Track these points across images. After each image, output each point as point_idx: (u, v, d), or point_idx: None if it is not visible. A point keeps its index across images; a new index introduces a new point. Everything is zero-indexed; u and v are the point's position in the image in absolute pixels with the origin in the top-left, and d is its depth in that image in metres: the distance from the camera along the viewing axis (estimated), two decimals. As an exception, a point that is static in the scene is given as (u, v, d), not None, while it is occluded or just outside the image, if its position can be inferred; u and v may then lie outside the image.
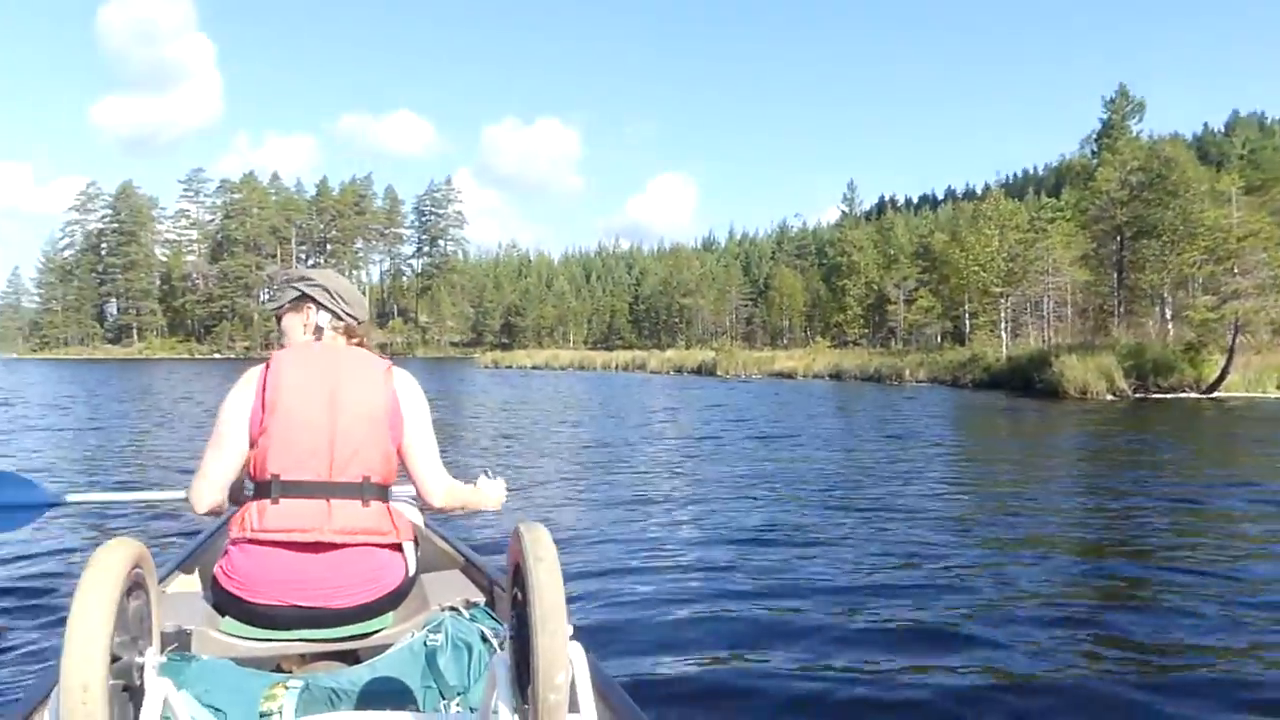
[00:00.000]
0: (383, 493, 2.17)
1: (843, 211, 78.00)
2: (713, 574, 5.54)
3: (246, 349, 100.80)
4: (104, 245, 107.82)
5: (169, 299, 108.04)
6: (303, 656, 2.20)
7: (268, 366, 2.16)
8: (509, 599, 1.49)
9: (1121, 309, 36.88)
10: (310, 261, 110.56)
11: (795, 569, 5.66)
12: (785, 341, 77.29)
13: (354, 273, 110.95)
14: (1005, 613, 4.67)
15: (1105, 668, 3.94)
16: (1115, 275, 37.34)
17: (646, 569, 5.65)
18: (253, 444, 2.14)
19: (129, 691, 1.34)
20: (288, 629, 2.09)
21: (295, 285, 2.34)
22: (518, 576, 1.43)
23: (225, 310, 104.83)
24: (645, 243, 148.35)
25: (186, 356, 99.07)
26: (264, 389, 2.13)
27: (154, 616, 1.47)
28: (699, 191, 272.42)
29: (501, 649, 2.01)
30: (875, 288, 67.15)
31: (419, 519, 2.58)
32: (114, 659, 1.26)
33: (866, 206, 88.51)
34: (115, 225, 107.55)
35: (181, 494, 2.42)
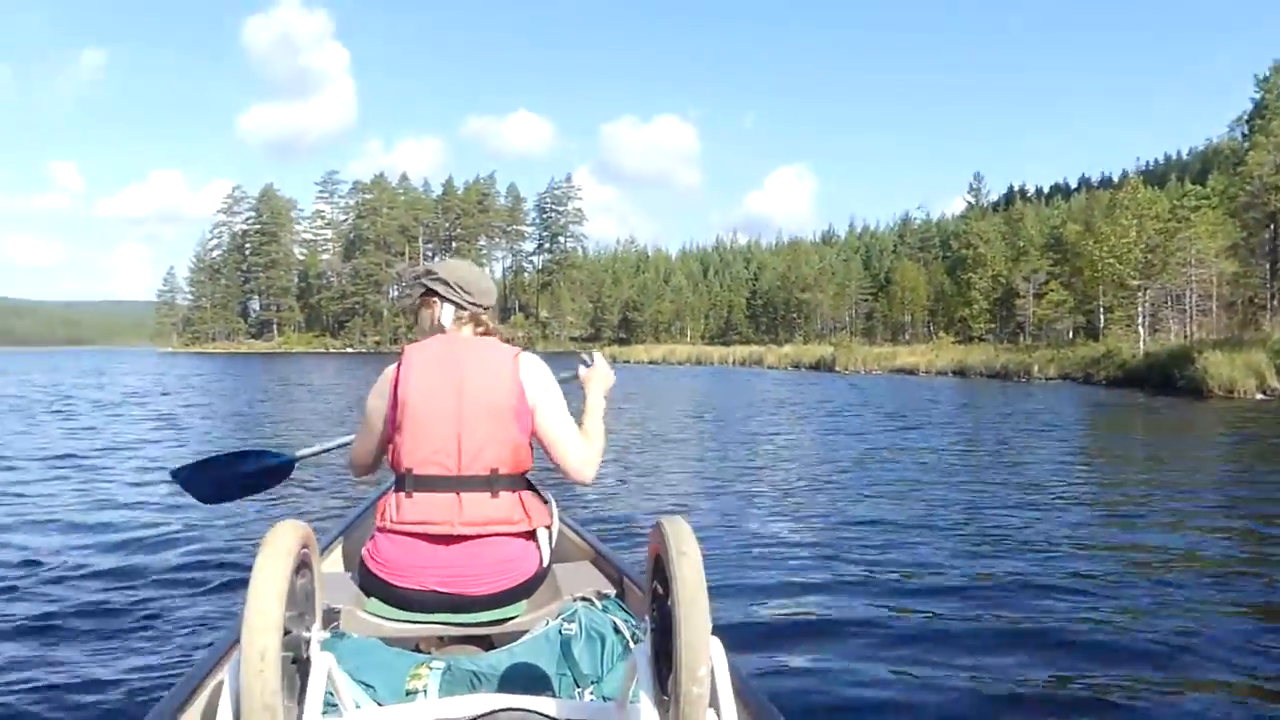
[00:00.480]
0: (514, 483, 2.20)
1: (968, 202, 75.41)
2: (838, 572, 5.45)
3: (376, 343, 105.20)
4: (248, 245, 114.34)
5: (306, 295, 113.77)
6: (440, 639, 2.30)
7: (400, 362, 2.22)
8: (648, 592, 1.49)
9: (1274, 302, 34.38)
10: (437, 259, 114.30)
11: (921, 571, 5.52)
12: (907, 337, 75.14)
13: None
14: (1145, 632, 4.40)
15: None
16: (1267, 266, 34.89)
17: (768, 564, 5.62)
18: (389, 439, 2.24)
19: (296, 663, 1.41)
20: (427, 612, 2.17)
21: (421, 280, 2.38)
22: (659, 569, 1.43)
23: (357, 306, 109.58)
24: (763, 237, 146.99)
25: (321, 350, 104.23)
26: (396, 385, 2.20)
27: (317, 595, 1.54)
28: (817, 184, 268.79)
29: (634, 641, 2.10)
30: (1003, 281, 64.47)
31: (555, 511, 2.51)
32: (284, 632, 1.33)
33: (994, 197, 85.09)
34: (258, 226, 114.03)
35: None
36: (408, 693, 1.91)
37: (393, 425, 2.21)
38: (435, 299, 2.35)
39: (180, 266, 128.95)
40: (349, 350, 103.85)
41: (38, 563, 5.61)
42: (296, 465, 3.33)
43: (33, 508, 7.80)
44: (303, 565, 1.44)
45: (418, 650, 2.23)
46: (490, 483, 2.16)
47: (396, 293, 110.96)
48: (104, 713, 3.38)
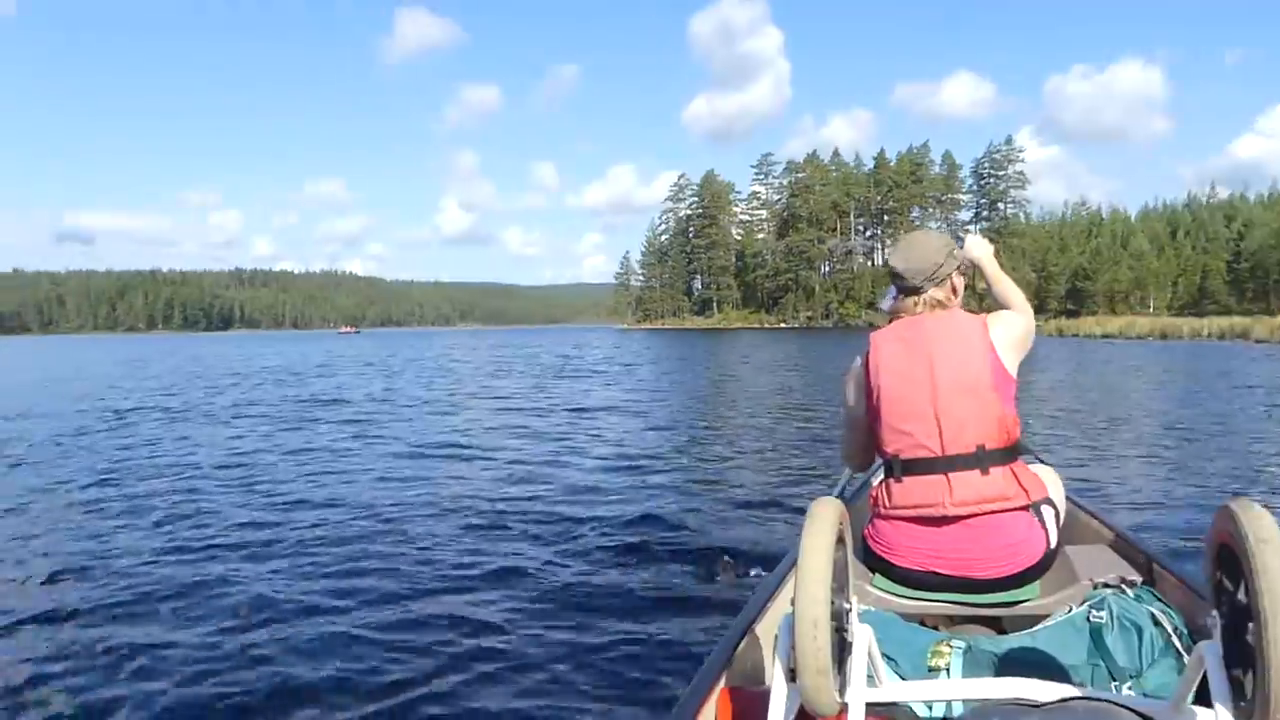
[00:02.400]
0: (1003, 456, 2.11)
1: None
2: None
3: (809, 319, 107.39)
4: (691, 229, 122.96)
5: (742, 274, 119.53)
6: (949, 618, 2.29)
7: (869, 351, 2.25)
8: (1212, 583, 1.37)
9: None
10: (868, 233, 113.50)
11: None
12: None
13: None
14: None
15: None
16: None
17: None
18: (870, 427, 2.26)
19: (838, 634, 1.44)
20: (931, 591, 2.17)
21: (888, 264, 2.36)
22: (1226, 558, 1.31)
23: (790, 283, 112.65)
24: (1251, 188, 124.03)
25: (756, 325, 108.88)
26: (867, 374, 2.24)
27: (849, 569, 1.59)
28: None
29: (1175, 635, 1.99)
30: None
31: (1058, 485, 2.39)
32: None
33: None
34: (700, 210, 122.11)
35: None
36: (929, 669, 1.93)
37: (871, 414, 2.23)
38: (894, 283, 2.34)
39: (634, 251, 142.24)
40: (782, 326, 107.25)
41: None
42: None
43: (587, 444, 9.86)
44: (839, 541, 1.47)
45: (922, 627, 2.21)
46: (978, 460, 2.10)
47: (828, 269, 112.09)
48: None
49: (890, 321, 2.32)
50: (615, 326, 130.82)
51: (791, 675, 1.47)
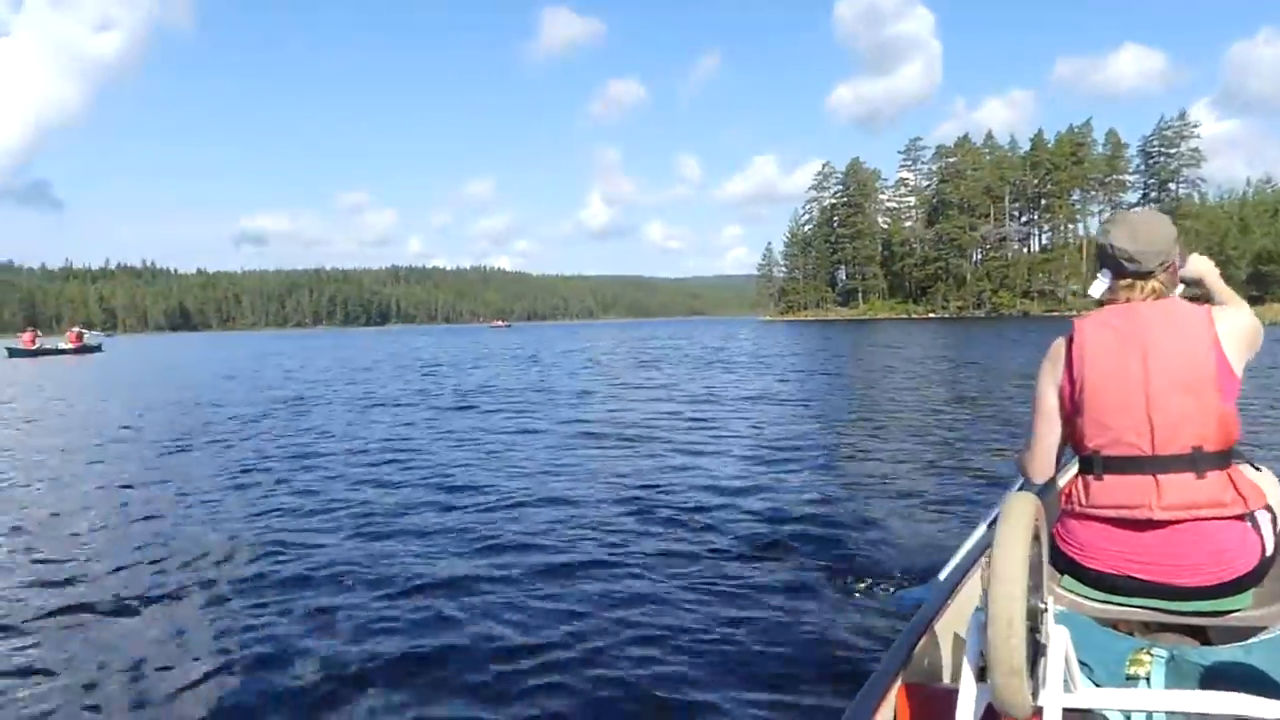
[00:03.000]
0: (1221, 459, 1.96)
1: None
2: None
3: (959, 308, 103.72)
4: (835, 218, 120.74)
5: (889, 263, 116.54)
6: (1145, 625, 2.15)
7: (1071, 337, 2.09)
8: None
9: None
10: (1023, 218, 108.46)
11: None
12: None
13: (1068, 226, 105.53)
14: None
15: None
16: None
17: None
18: (1068, 419, 2.11)
19: (1032, 634, 1.40)
20: (1125, 595, 2.05)
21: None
22: None
23: (939, 271, 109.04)
24: None
25: (904, 316, 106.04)
26: (1069, 362, 2.08)
27: (1044, 567, 1.53)
28: None
29: None
30: None
31: (1277, 490, 2.17)
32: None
33: None
34: (845, 199, 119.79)
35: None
36: (1127, 678, 1.85)
37: (1070, 405, 2.09)
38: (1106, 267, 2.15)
39: (776, 242, 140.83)
40: (931, 316, 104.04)
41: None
42: None
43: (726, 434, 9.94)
44: (1034, 538, 1.42)
45: (1116, 632, 2.13)
46: (1193, 461, 1.94)
47: (980, 256, 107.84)
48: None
49: (1100, 306, 2.15)
50: (757, 318, 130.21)
51: (981, 675, 1.45)
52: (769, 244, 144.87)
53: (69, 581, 4.99)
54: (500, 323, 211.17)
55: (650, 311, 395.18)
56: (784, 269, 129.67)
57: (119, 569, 5.21)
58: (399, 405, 15.65)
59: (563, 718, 3.23)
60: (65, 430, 12.96)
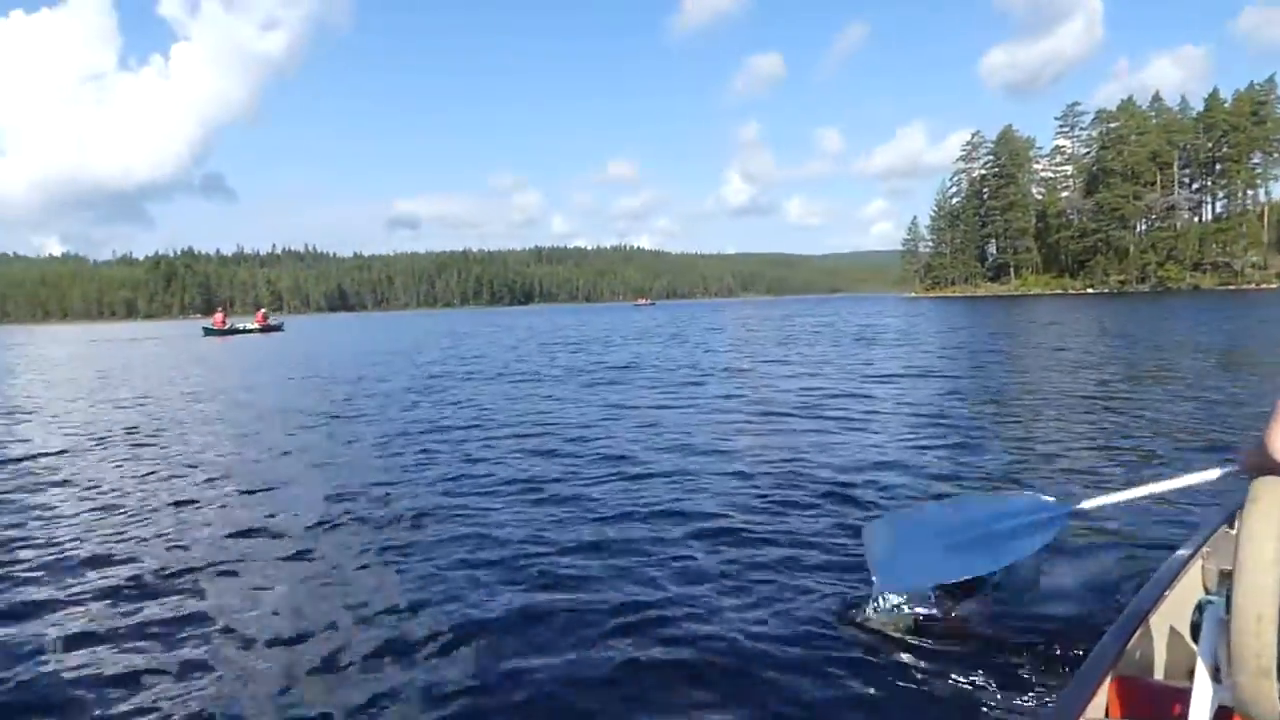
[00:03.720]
0: None
1: None
2: None
3: (1121, 283, 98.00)
4: (985, 190, 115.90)
5: (1043, 236, 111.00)
6: None
7: None
8: None
9: None
10: (1194, 185, 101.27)
11: None
12: None
13: (1247, 193, 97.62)
14: None
15: None
16: None
17: None
18: None
19: None
20: None
21: None
22: None
23: (1099, 244, 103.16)
24: None
25: (1060, 291, 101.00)
26: None
27: None
28: None
29: None
30: None
31: None
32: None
33: None
34: (995, 170, 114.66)
35: (1192, 479, 2.33)
36: None
37: None
38: None
39: (922, 216, 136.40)
40: (1089, 291, 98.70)
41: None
42: (1075, 518, 2.97)
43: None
44: None
45: None
46: None
47: (1145, 227, 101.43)
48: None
49: None
50: (901, 295, 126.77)
51: (1216, 674, 1.39)
52: (914, 218, 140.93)
53: (262, 528, 5.91)
54: (644, 301, 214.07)
55: (790, 289, 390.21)
56: (930, 244, 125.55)
57: (321, 522, 6.05)
58: (553, 380, 16.65)
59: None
60: (271, 396, 14.51)
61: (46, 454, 9.39)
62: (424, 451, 8.83)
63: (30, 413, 13.83)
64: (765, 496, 6.31)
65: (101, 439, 10.43)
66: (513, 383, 16.35)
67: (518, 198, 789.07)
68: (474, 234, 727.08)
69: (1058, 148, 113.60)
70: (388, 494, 6.85)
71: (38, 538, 5.79)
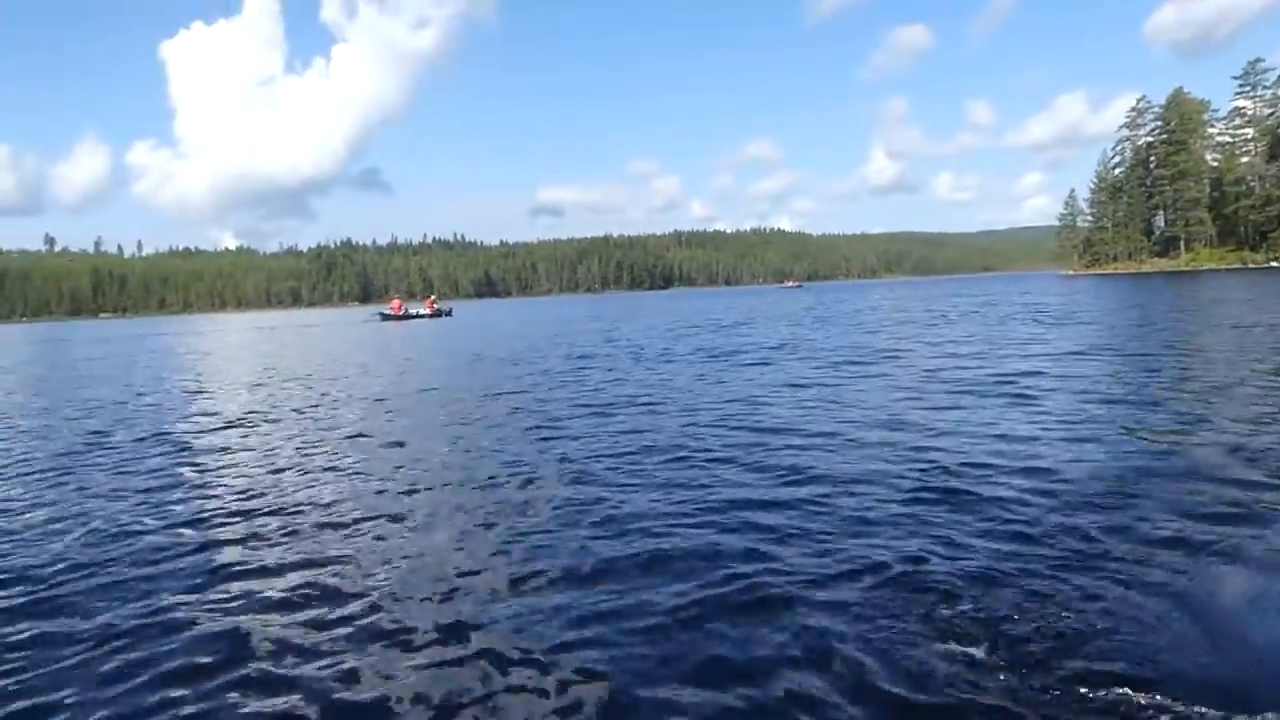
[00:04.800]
0: None
1: None
2: None
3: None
4: (1152, 158, 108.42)
5: (1219, 206, 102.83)
6: None
7: None
8: None
9: None
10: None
11: None
12: None
13: None
14: None
15: None
16: None
17: None
18: None
19: None
20: None
21: None
22: None
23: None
24: None
25: (1238, 266, 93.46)
26: None
27: None
28: None
29: None
30: None
31: None
32: None
33: None
34: (1164, 136, 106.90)
35: None
36: None
37: None
38: None
39: (1081, 189, 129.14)
40: (1272, 264, 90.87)
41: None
42: None
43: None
44: None
45: None
46: None
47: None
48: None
49: None
50: (1058, 273, 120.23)
51: None
52: (1072, 191, 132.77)
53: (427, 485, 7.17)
54: (792, 282, 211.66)
55: (937, 269, 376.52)
56: (1090, 218, 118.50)
57: (491, 479, 7.20)
58: (712, 360, 16.91)
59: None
60: (443, 374, 15.41)
61: (383, 399, 13.00)
62: (597, 417, 10.25)
63: (333, 379, 16.99)
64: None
65: (386, 401, 13.05)
66: (672, 361, 16.84)
67: (658, 183, 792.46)
68: (615, 220, 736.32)
69: (1237, 109, 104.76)
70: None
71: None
